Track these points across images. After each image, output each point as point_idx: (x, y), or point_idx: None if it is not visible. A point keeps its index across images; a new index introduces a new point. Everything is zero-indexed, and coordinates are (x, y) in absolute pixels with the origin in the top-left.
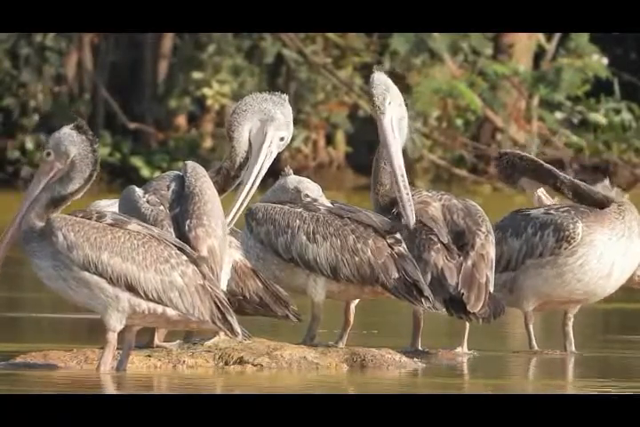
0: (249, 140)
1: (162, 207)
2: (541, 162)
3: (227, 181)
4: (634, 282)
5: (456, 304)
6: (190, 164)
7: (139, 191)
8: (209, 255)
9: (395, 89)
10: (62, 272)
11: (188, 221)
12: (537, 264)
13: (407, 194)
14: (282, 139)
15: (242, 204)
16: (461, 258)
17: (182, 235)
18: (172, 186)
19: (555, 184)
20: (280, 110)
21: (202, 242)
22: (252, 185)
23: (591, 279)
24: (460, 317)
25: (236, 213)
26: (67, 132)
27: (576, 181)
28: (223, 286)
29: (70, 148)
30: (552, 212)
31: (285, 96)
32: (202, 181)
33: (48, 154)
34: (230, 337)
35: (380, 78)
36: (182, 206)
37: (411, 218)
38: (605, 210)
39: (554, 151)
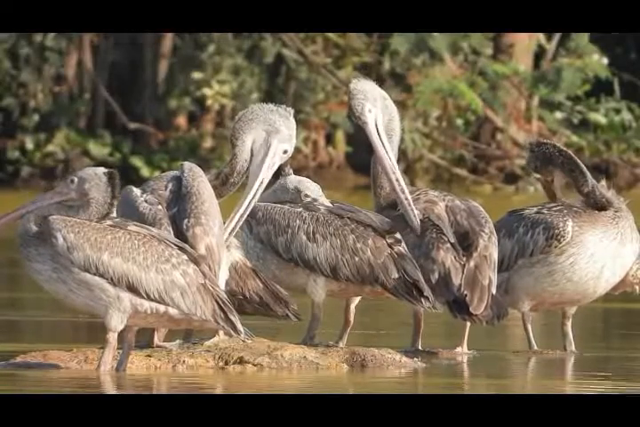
0: (251, 150)
1: (160, 207)
2: (579, 161)
3: (224, 187)
4: (627, 284)
5: (459, 306)
6: (187, 164)
7: (137, 191)
8: (207, 253)
9: (375, 93)
10: (62, 274)
11: (185, 221)
12: (528, 263)
13: (406, 199)
14: (285, 151)
15: (242, 214)
16: (465, 259)
17: (180, 234)
18: (170, 186)
19: (579, 185)
20: (285, 123)
21: (199, 240)
22: (253, 197)
23: (581, 279)
24: (463, 318)
25: (237, 222)
26: (99, 174)
27: (597, 187)
28: (222, 285)
29: (92, 189)
30: (544, 211)
31: (291, 110)
32: (198, 180)
33: (72, 181)
34: (233, 336)
35: (357, 88)
36: (180, 206)
37: (415, 223)
38: (601, 212)
39: None
